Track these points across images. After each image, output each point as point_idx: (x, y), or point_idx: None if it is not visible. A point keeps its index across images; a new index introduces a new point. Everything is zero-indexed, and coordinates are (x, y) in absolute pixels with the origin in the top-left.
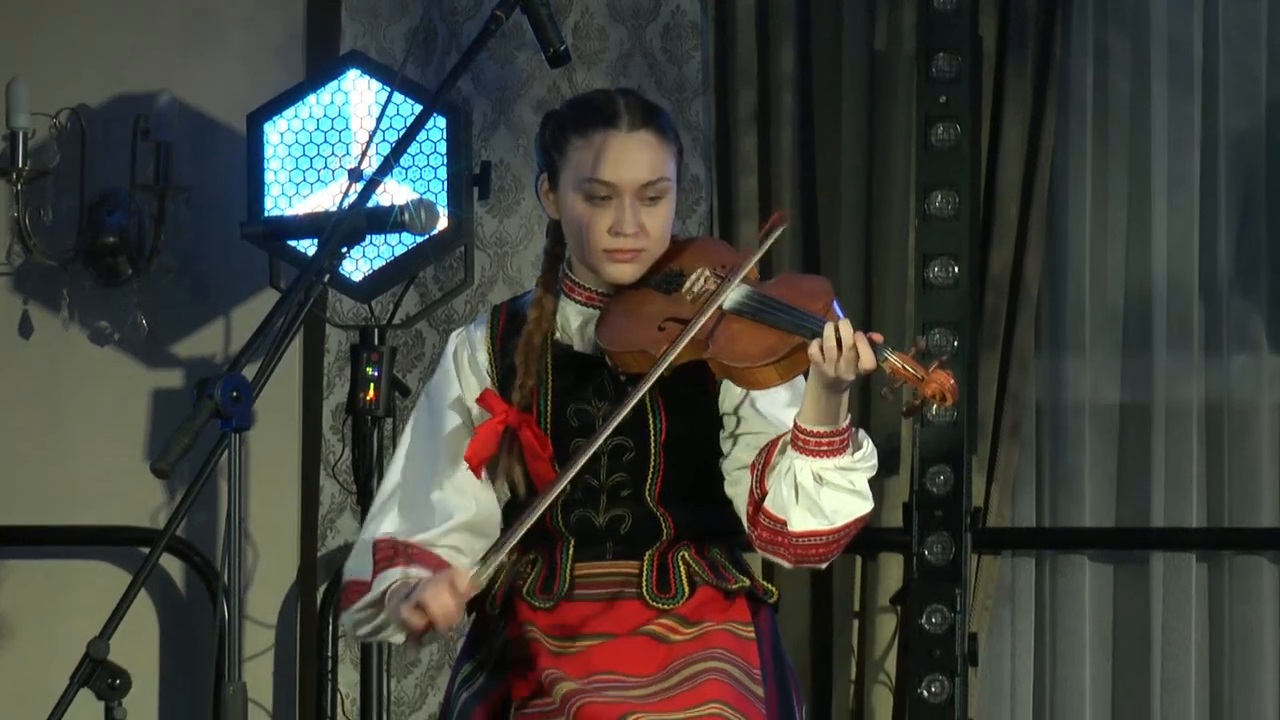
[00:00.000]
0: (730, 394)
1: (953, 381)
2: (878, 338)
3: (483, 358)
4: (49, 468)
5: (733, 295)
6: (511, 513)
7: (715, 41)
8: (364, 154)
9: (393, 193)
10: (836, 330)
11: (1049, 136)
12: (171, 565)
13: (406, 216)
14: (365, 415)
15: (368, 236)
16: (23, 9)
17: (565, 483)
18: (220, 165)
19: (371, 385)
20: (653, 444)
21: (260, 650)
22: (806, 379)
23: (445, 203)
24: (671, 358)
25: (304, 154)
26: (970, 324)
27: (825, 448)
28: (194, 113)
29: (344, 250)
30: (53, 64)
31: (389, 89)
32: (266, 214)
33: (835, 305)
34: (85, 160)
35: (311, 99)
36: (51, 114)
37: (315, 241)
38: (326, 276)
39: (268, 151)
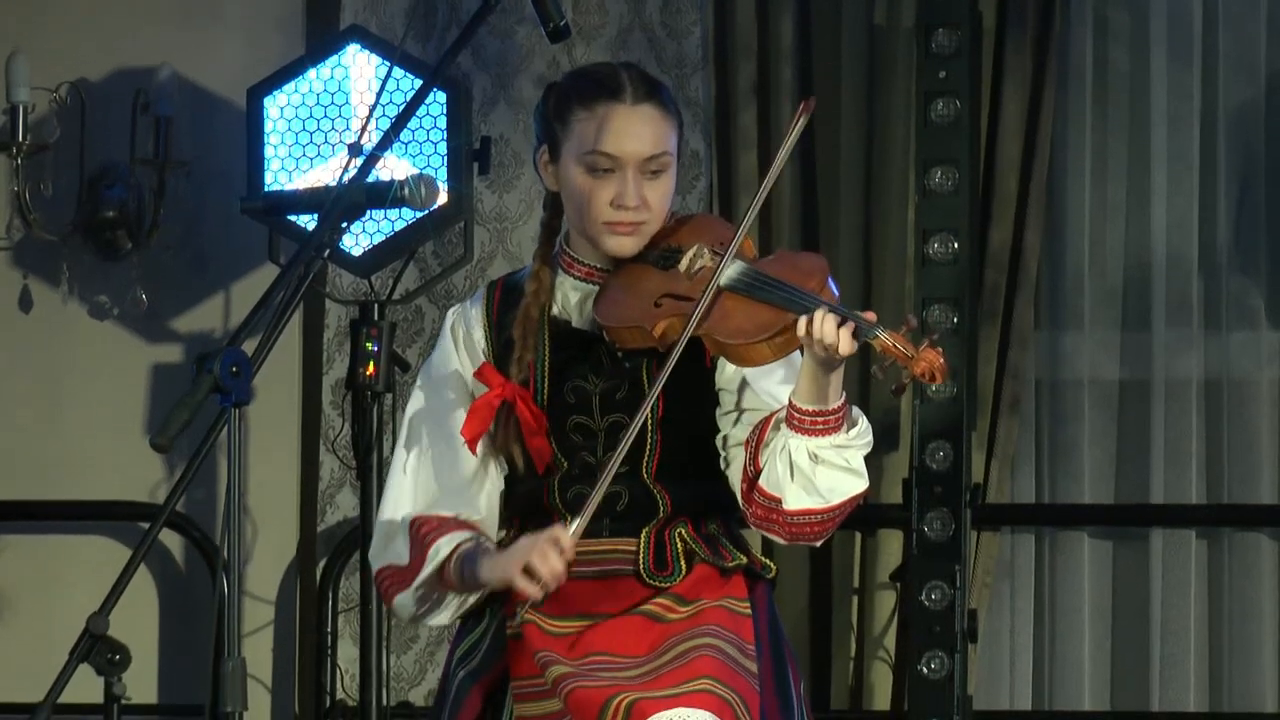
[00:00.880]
0: (725, 370)
1: (942, 360)
2: (871, 316)
3: (478, 335)
4: (48, 442)
5: (728, 272)
6: (513, 487)
7: (714, 16)
8: (364, 129)
9: (393, 168)
10: (824, 308)
11: (1048, 111)
12: (171, 540)
13: (406, 191)
14: (365, 390)
15: (368, 211)
16: None
17: (636, 428)
18: (220, 140)
19: (371, 360)
20: (649, 420)
21: (260, 626)
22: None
23: (445, 178)
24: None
25: (304, 129)
26: (970, 299)
27: (821, 426)
28: (194, 87)
29: (344, 225)
30: (53, 38)
31: (389, 64)
32: (266, 189)
33: (830, 283)
34: (85, 134)
35: (312, 73)
36: (51, 88)
37: (315, 216)
38: (326, 251)
39: (268, 126)
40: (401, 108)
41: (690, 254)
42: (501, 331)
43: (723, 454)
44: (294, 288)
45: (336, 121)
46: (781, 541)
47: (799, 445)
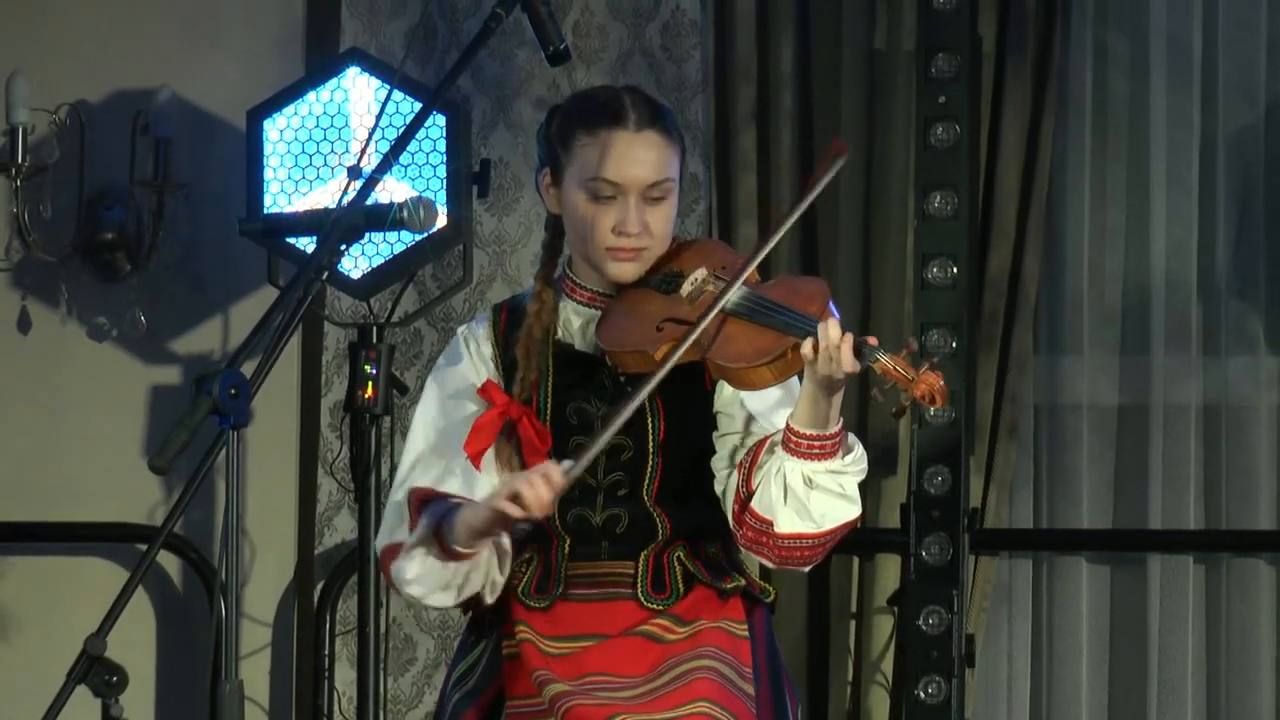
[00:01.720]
0: (724, 393)
1: (942, 383)
2: (873, 341)
3: (488, 350)
4: (47, 463)
5: (731, 296)
6: None
7: (715, 40)
8: (363, 151)
9: (392, 190)
10: (825, 332)
11: (1048, 137)
12: (169, 562)
13: (405, 214)
14: (363, 413)
15: (366, 234)
16: (23, 4)
17: (634, 405)
18: (219, 162)
19: (370, 383)
20: (650, 444)
21: (257, 648)
22: (801, 381)
23: (444, 201)
24: (675, 359)
25: (303, 151)
26: (968, 324)
27: (817, 450)
28: (193, 109)
29: (343, 248)
30: (53, 59)
31: (389, 86)
32: (266, 211)
33: (831, 306)
34: (84, 156)
35: (311, 96)
36: (51, 109)
37: (314, 239)
38: (325, 274)
39: (267, 148)
40: (401, 130)
41: (692, 278)
42: (508, 351)
43: (718, 475)
44: (293, 310)
45: (336, 144)
46: (771, 565)
47: (794, 469)
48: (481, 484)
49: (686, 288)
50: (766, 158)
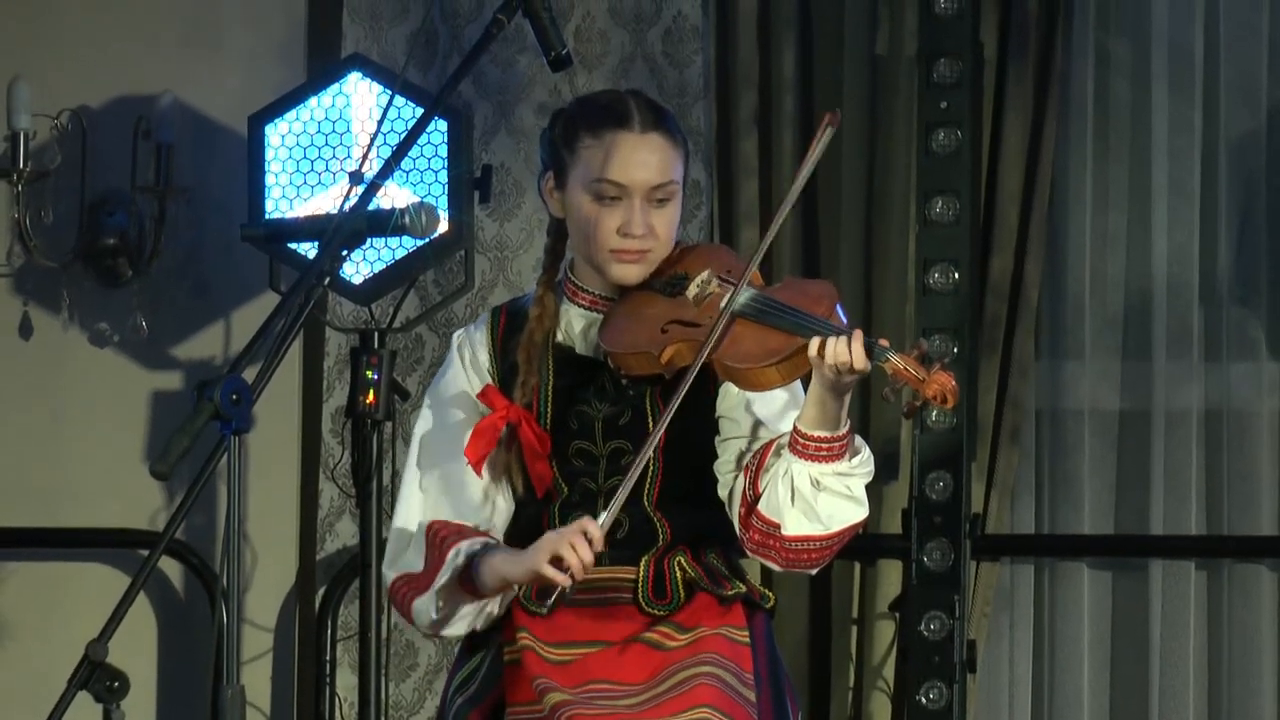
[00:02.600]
0: (727, 397)
1: (954, 383)
2: (884, 342)
3: (484, 358)
4: (48, 469)
5: (739, 298)
6: (518, 512)
7: (716, 45)
8: (365, 157)
9: (393, 196)
10: (836, 333)
11: (1049, 142)
12: (170, 568)
13: (407, 219)
14: (365, 419)
15: (368, 239)
16: (24, 9)
17: (661, 431)
18: (221, 167)
19: (371, 389)
20: (651, 448)
21: (259, 653)
22: (806, 383)
23: (446, 206)
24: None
25: (305, 156)
26: (970, 329)
27: (824, 453)
28: (195, 114)
29: (344, 253)
30: (54, 65)
31: (390, 92)
32: (267, 216)
33: (839, 308)
34: (86, 161)
35: (313, 101)
36: (52, 115)
37: (316, 244)
38: (327, 279)
39: (269, 154)
40: (403, 136)
41: (698, 280)
42: (506, 356)
43: (721, 479)
44: (294, 315)
45: (337, 149)
46: (777, 568)
47: (801, 470)
48: (478, 488)
49: (692, 290)
50: (768, 163)
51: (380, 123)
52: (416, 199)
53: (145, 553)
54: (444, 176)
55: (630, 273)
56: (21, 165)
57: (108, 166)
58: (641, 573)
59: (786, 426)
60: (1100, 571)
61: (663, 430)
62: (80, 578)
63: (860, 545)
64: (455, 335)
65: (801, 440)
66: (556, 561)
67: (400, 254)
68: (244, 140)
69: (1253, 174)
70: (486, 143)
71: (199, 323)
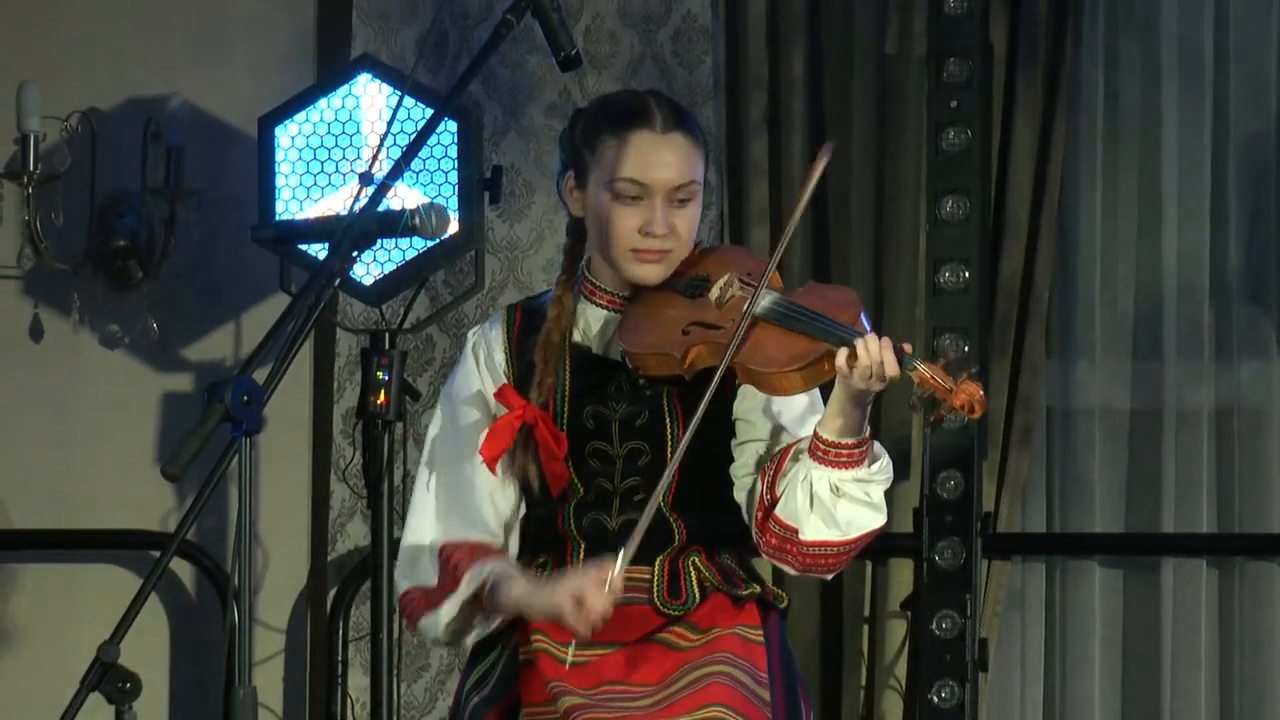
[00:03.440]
0: (745, 400)
1: (981, 393)
2: (908, 349)
3: (499, 357)
4: (59, 471)
5: (762, 301)
6: (528, 512)
7: (726, 46)
8: (375, 158)
9: (403, 197)
10: (865, 341)
11: (1059, 142)
12: (182, 569)
13: (417, 220)
14: (375, 419)
15: (378, 240)
16: (33, 12)
17: (671, 473)
18: (231, 169)
19: (382, 389)
20: (668, 449)
21: (270, 654)
22: (826, 389)
23: (456, 207)
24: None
25: (315, 158)
26: (981, 329)
27: (845, 459)
28: (205, 116)
29: (355, 254)
30: (63, 67)
31: (400, 93)
32: (277, 218)
33: (863, 317)
34: (96, 164)
35: (322, 103)
36: (62, 117)
37: (326, 245)
38: (337, 280)
39: (278, 155)
40: (412, 137)
41: (720, 283)
42: (522, 355)
43: (737, 482)
44: (305, 317)
45: (347, 151)
46: (793, 572)
47: (821, 476)
48: (490, 491)
49: (714, 292)
50: (778, 164)
51: (390, 124)
52: (426, 200)
53: (157, 554)
54: (454, 177)
55: (651, 273)
56: (32, 168)
57: (118, 169)
58: (656, 573)
59: (806, 431)
60: (1112, 570)
61: (689, 438)
62: (92, 579)
63: (872, 544)
64: (470, 334)
65: (822, 446)
66: (579, 604)
67: (411, 255)
68: (254, 142)
69: (1263, 173)
70: (496, 143)
71: (209, 324)
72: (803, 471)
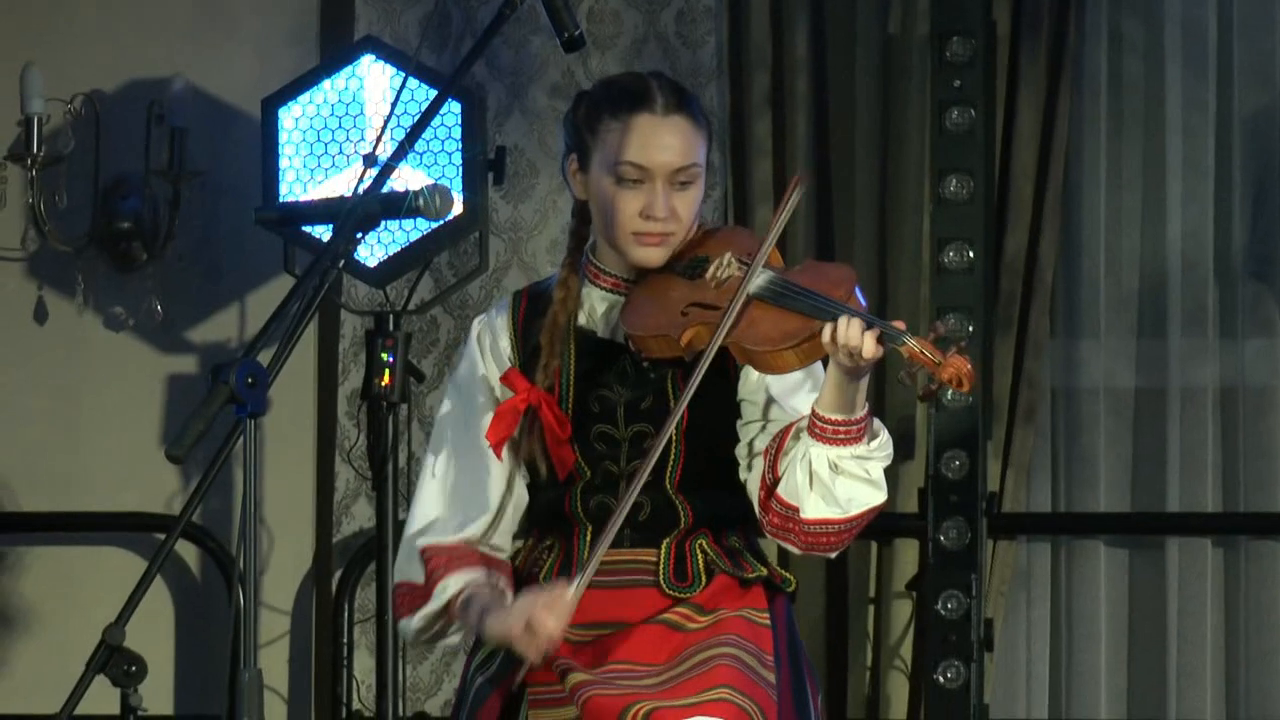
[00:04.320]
0: (748, 381)
1: (969, 367)
2: (900, 324)
3: (504, 344)
4: (64, 454)
5: (756, 280)
6: (534, 495)
7: (729, 26)
8: (379, 139)
9: (407, 178)
10: (842, 319)
11: (1063, 120)
12: (187, 551)
13: (421, 202)
14: (380, 401)
15: (382, 222)
16: None
17: (643, 478)
18: (235, 150)
19: (386, 371)
20: (674, 431)
21: (276, 636)
22: (826, 366)
23: (460, 188)
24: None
25: (319, 139)
26: (985, 308)
27: (842, 435)
28: (208, 98)
29: (359, 236)
30: (67, 49)
31: (404, 74)
32: (281, 199)
33: (858, 292)
34: (100, 146)
35: (326, 84)
36: (66, 99)
37: (330, 227)
38: (341, 262)
39: (282, 137)
40: (416, 118)
41: (717, 263)
42: (528, 339)
43: (742, 463)
44: (309, 298)
45: (351, 132)
46: (797, 551)
47: (819, 454)
48: (494, 475)
49: (711, 272)
50: (782, 143)
51: (394, 105)
52: (430, 181)
53: (162, 536)
54: (458, 158)
55: (652, 255)
56: (35, 150)
57: (121, 151)
58: (663, 555)
59: (806, 409)
60: (1117, 549)
61: (680, 414)
62: (97, 562)
63: (877, 525)
64: (475, 322)
65: (819, 423)
66: (532, 630)
67: (415, 236)
68: (257, 123)
69: (1267, 150)
70: (500, 124)
71: (214, 306)
72: (802, 449)
